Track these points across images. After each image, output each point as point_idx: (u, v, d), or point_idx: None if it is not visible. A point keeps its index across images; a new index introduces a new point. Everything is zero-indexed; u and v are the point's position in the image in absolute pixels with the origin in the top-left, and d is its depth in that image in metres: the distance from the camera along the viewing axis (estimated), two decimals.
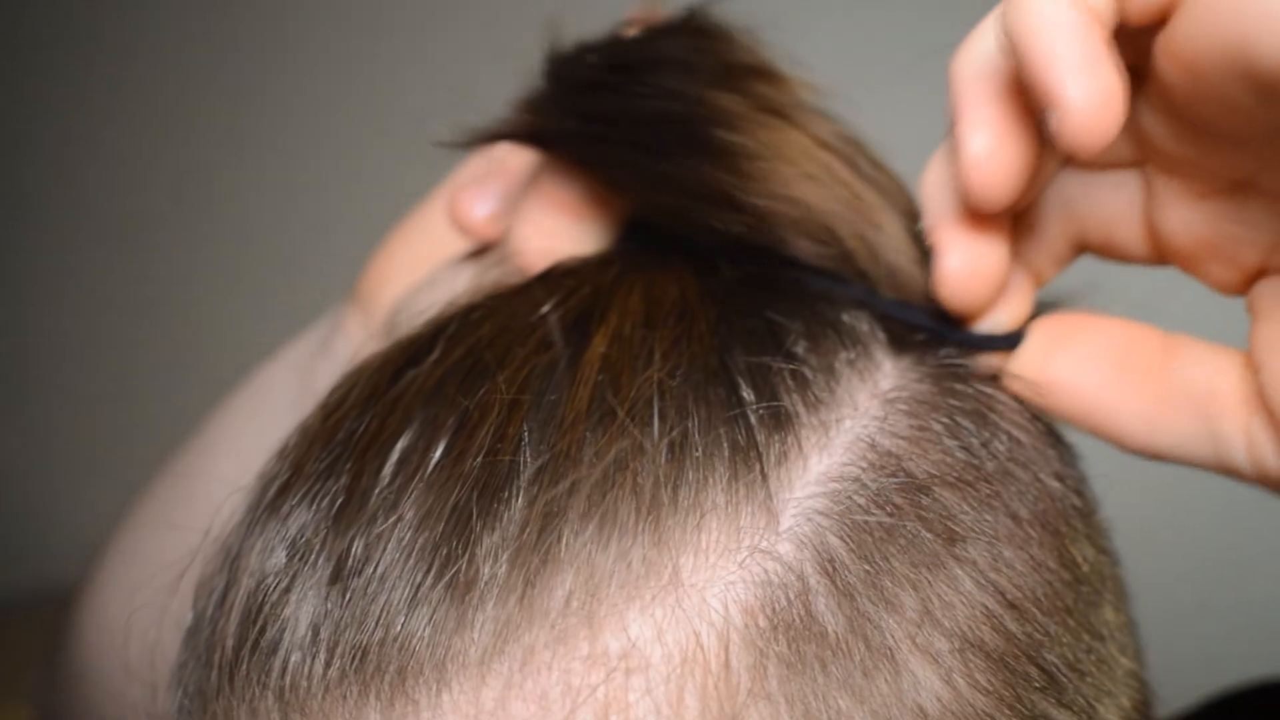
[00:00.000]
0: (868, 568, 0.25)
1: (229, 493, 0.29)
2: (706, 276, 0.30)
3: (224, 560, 0.28)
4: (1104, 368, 0.29)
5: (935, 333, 0.30)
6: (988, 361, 0.30)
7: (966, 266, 0.28)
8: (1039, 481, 0.29)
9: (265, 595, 0.26)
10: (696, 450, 0.25)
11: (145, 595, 0.32)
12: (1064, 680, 0.27)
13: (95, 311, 1.38)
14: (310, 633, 0.25)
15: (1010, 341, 0.30)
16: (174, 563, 0.30)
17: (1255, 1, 0.22)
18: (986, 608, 0.26)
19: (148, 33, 1.27)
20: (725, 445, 0.26)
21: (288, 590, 0.26)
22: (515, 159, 0.35)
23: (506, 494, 0.25)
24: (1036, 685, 0.26)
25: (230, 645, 0.26)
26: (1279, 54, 0.22)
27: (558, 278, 0.30)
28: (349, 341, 0.40)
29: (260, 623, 0.26)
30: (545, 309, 0.29)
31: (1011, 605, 0.26)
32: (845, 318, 0.29)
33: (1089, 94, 0.23)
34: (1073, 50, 0.23)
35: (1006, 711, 0.26)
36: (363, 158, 1.14)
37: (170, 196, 1.30)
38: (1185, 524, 0.79)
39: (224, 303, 1.29)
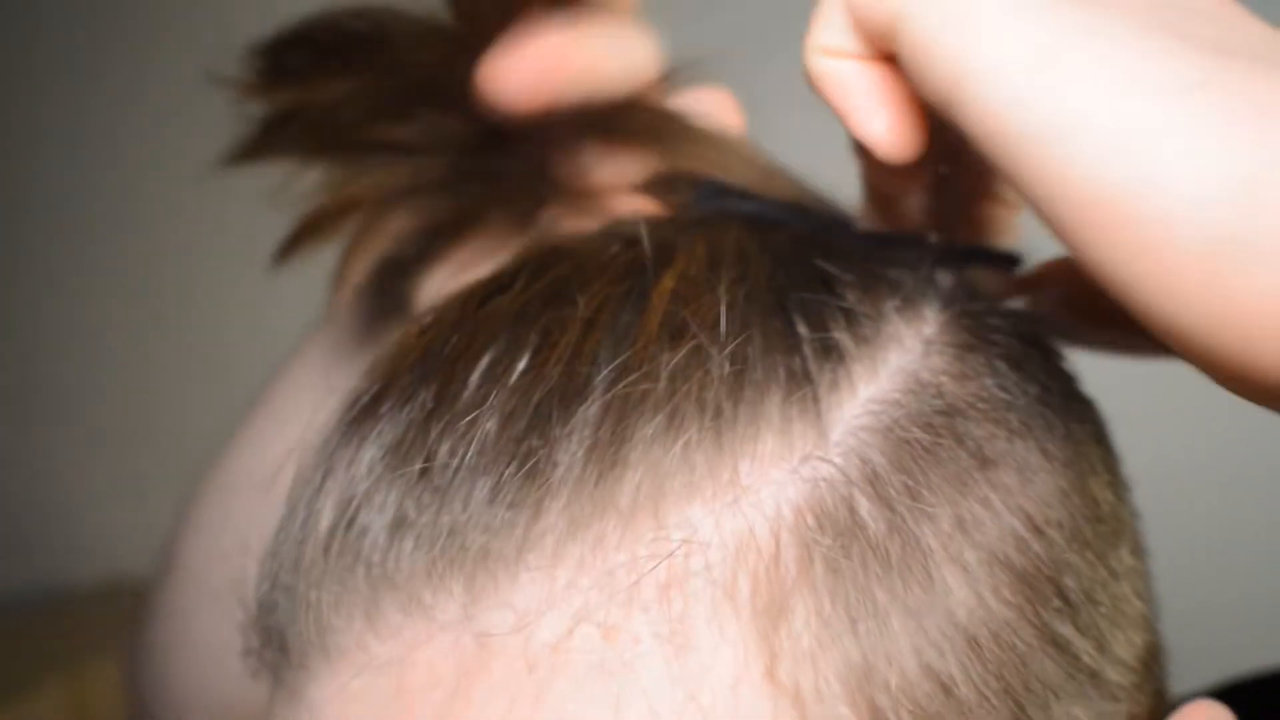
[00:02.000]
0: (907, 480, 0.27)
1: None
2: (759, 232, 0.32)
3: (319, 461, 0.30)
4: None
5: (938, 256, 0.33)
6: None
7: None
8: (1067, 426, 0.31)
9: (358, 487, 0.28)
10: (756, 371, 0.28)
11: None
12: (1080, 606, 0.29)
13: (99, 310, 1.38)
14: (399, 517, 0.27)
15: (1011, 261, 0.34)
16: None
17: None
18: (1013, 528, 0.28)
19: (156, 26, 1.27)
20: (781, 370, 0.28)
21: (379, 481, 0.28)
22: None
23: (582, 397, 0.27)
24: (1054, 606, 0.28)
25: (324, 529, 0.29)
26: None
27: (628, 227, 0.33)
28: None
29: (353, 510, 0.28)
30: (615, 249, 0.31)
31: (1036, 529, 0.29)
32: (892, 273, 0.32)
33: (878, 136, 0.30)
34: (853, 102, 0.30)
35: (1027, 626, 0.28)
36: None
37: (180, 195, 1.30)
38: (1187, 511, 0.79)
39: (229, 300, 1.29)
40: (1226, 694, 0.41)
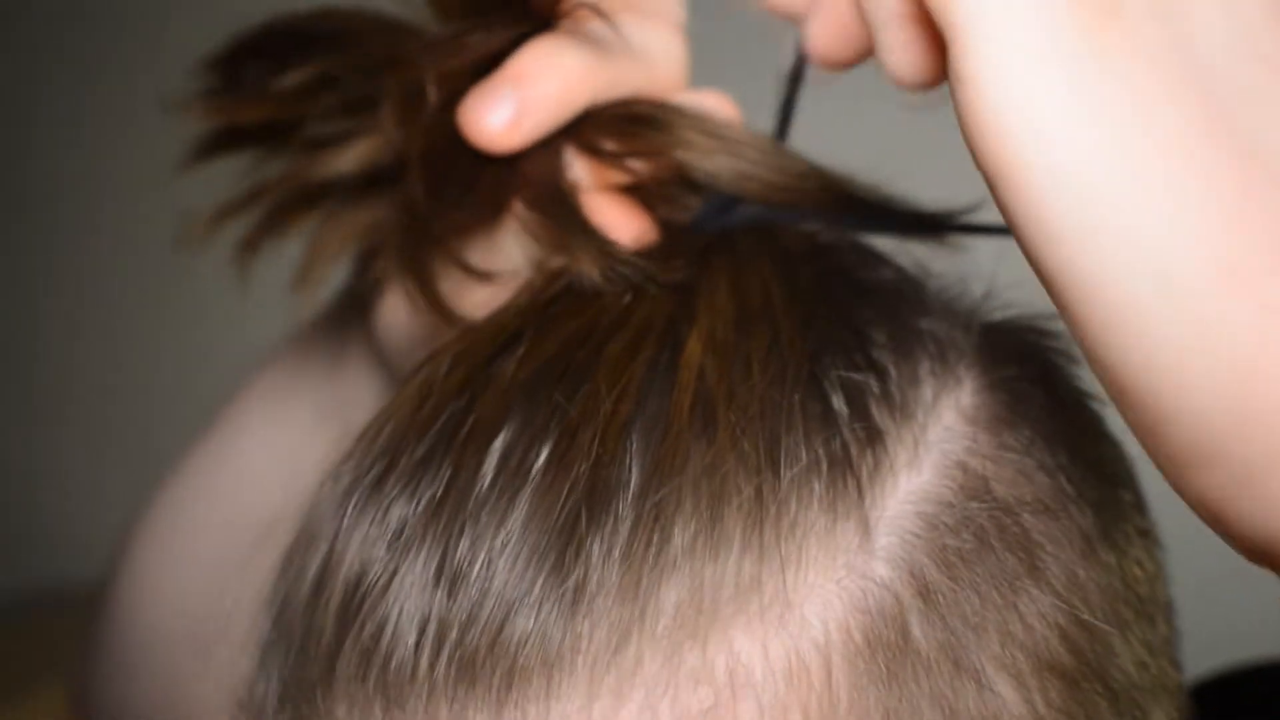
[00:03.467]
0: (956, 589, 0.26)
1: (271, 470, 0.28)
2: (784, 269, 0.30)
3: (311, 541, 0.28)
4: None
5: (933, 226, 0.32)
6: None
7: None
8: (1107, 501, 0.30)
9: (367, 587, 0.26)
10: (797, 464, 0.26)
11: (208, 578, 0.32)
12: (1122, 691, 0.28)
13: (99, 310, 1.38)
14: (416, 631, 0.25)
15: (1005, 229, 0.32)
16: (228, 545, 0.30)
17: None
18: (1062, 627, 0.27)
19: (158, 27, 1.27)
20: (823, 460, 0.26)
21: (390, 584, 0.26)
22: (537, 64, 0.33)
23: (614, 502, 0.25)
24: (1099, 695, 0.28)
25: (330, 635, 0.27)
26: None
27: (633, 267, 0.30)
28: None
29: (361, 615, 0.26)
30: (627, 300, 0.29)
31: (1082, 625, 0.28)
32: (924, 324, 0.30)
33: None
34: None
35: None
36: None
37: (179, 194, 1.30)
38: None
39: (231, 300, 1.29)
40: (1222, 684, 0.41)
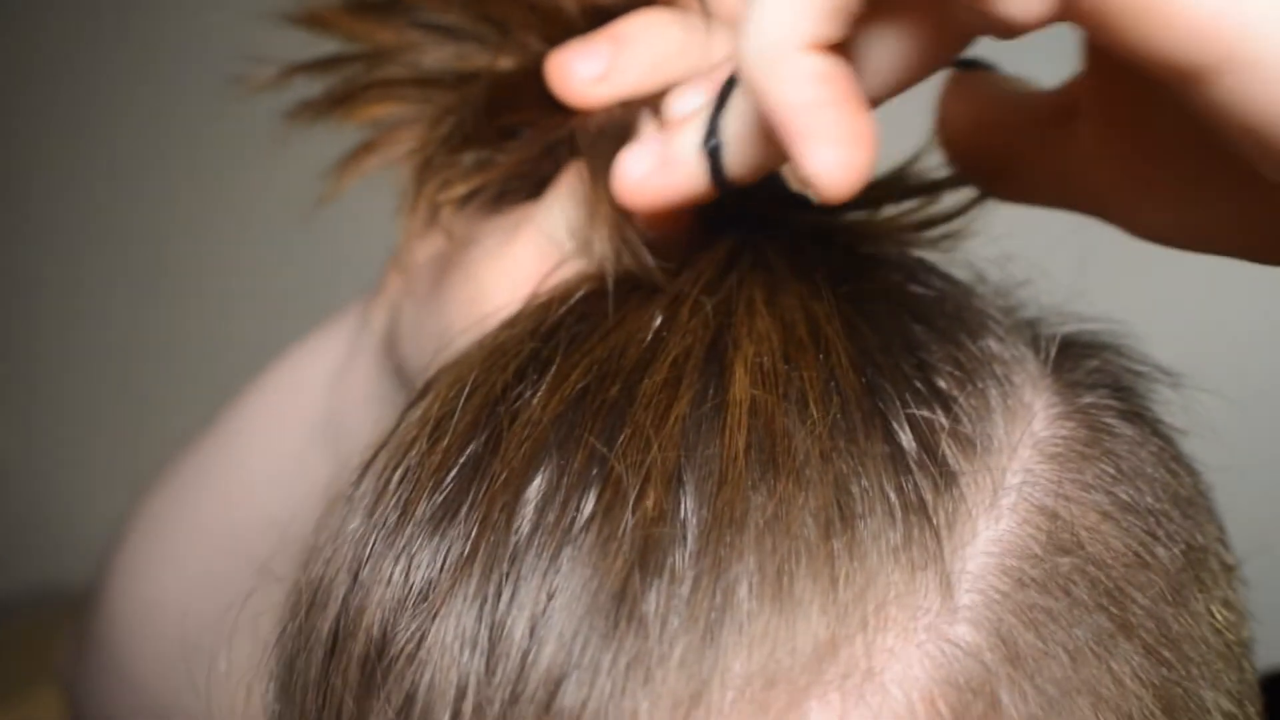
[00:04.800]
0: (1046, 651, 0.24)
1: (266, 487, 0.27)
2: (823, 284, 0.28)
3: (320, 594, 0.26)
4: None
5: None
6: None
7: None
8: (1193, 539, 0.28)
9: (393, 655, 0.24)
10: (869, 513, 0.23)
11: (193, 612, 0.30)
12: None
13: (98, 310, 1.37)
14: (452, 705, 0.23)
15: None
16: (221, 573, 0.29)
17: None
18: (1155, 683, 0.25)
19: (161, 30, 1.27)
20: (896, 508, 0.24)
21: (418, 651, 0.23)
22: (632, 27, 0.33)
23: (670, 560, 0.23)
24: None
25: (352, 709, 0.24)
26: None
27: (657, 281, 0.28)
28: (385, 310, 0.37)
29: (387, 686, 0.23)
30: (658, 323, 0.26)
31: (1174, 677, 0.25)
32: (987, 343, 0.28)
33: (828, 167, 0.22)
34: (814, 122, 0.22)
35: None
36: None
37: (177, 195, 1.30)
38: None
39: (230, 302, 1.29)
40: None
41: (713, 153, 0.27)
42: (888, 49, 0.25)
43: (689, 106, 0.29)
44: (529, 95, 0.33)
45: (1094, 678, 0.24)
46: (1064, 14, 0.22)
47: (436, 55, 0.34)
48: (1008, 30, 0.22)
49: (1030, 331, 0.30)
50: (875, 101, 0.25)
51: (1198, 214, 0.27)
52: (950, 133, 0.31)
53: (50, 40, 1.33)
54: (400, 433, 0.27)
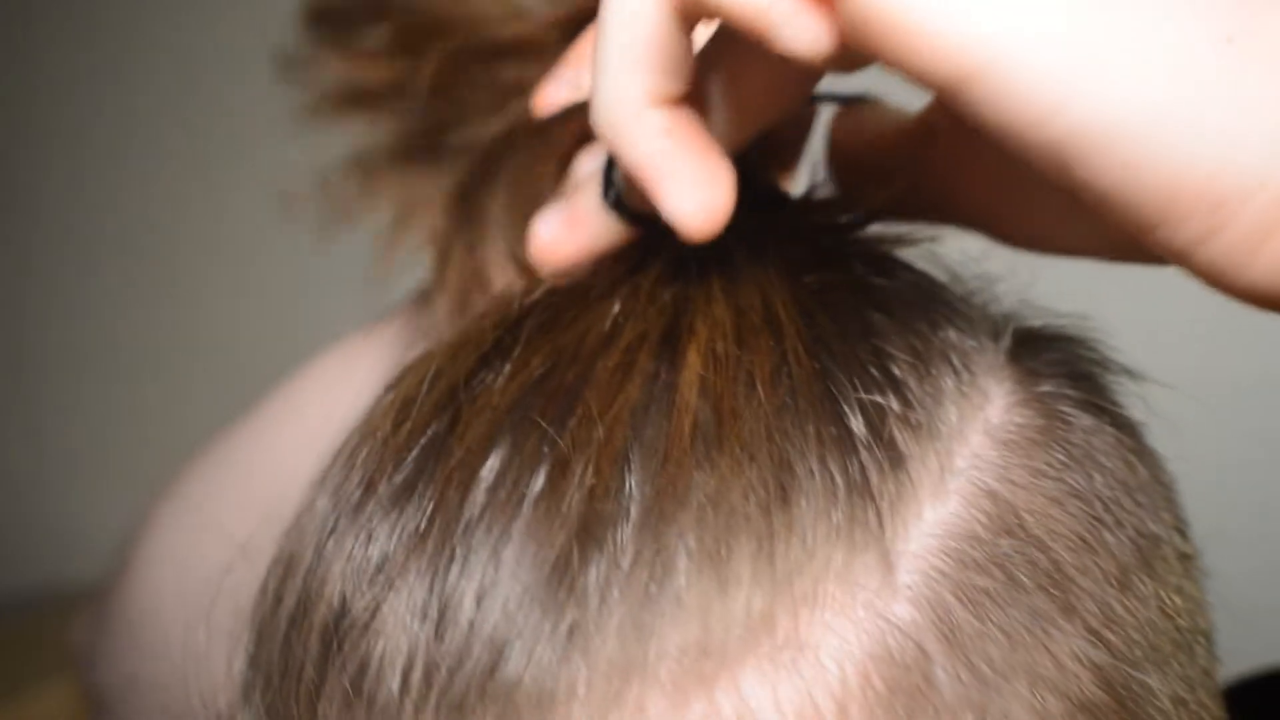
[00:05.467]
0: (984, 630, 0.24)
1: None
2: (784, 275, 0.28)
3: (289, 567, 0.27)
4: None
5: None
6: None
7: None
8: (1146, 525, 0.28)
9: (349, 623, 0.25)
10: (811, 492, 0.24)
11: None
12: None
13: (99, 311, 1.38)
14: (402, 671, 0.24)
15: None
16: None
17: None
18: (1096, 666, 0.25)
19: (158, 30, 1.27)
20: (840, 487, 0.24)
21: (372, 620, 0.24)
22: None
23: (612, 535, 0.23)
24: None
25: (311, 673, 0.25)
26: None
27: (619, 273, 0.29)
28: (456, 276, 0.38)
29: (343, 653, 0.25)
30: (616, 310, 0.27)
31: (1118, 662, 0.26)
32: (946, 334, 0.28)
33: (687, 208, 0.25)
34: (667, 169, 0.25)
35: None
36: None
37: (188, 200, 1.30)
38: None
39: (233, 305, 1.29)
40: (1230, 694, 0.41)
41: (615, 203, 0.29)
42: (732, 96, 0.27)
43: (591, 168, 0.32)
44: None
45: (1032, 658, 0.24)
46: (851, 43, 0.23)
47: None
48: (818, 66, 0.24)
49: (996, 324, 0.30)
50: (736, 143, 0.27)
51: (1051, 220, 0.29)
52: (837, 160, 0.33)
53: (58, 42, 1.33)
54: (370, 416, 0.28)
